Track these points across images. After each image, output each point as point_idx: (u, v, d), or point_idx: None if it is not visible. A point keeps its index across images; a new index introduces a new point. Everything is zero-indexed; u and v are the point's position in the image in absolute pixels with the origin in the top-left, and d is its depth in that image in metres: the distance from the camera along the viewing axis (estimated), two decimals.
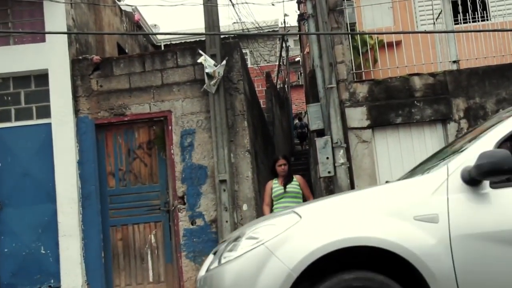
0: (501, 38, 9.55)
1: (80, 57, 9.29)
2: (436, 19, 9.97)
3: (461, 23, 9.80)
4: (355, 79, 8.95)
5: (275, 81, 21.71)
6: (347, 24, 9.07)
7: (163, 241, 8.92)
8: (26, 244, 8.81)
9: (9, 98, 9.16)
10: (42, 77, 9.10)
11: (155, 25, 20.90)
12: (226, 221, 8.47)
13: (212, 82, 8.61)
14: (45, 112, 9.05)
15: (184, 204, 8.82)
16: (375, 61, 9.49)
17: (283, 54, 23.54)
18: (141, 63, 9.19)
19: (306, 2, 9.47)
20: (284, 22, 26.10)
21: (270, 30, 24.57)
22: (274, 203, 7.95)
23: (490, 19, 10.26)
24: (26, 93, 9.17)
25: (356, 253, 3.55)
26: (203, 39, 9.47)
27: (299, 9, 17.43)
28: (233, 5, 29.75)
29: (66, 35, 9.07)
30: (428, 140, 8.67)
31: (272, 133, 16.47)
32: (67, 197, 8.75)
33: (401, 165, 8.61)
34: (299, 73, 32.10)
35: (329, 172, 8.39)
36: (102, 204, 8.92)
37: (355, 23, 9.44)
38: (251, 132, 9.29)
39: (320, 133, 8.75)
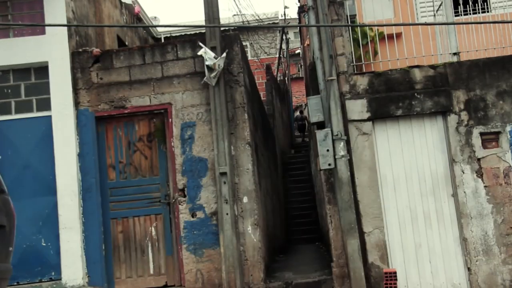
0: (501, 30, 9.54)
1: (80, 50, 9.29)
2: (437, 11, 9.95)
3: (461, 15, 9.79)
4: (355, 71, 8.95)
5: (275, 74, 21.70)
6: (347, 16, 9.04)
7: (163, 233, 8.94)
8: (26, 236, 8.82)
9: (9, 90, 9.17)
10: (42, 70, 9.11)
11: (155, 17, 20.86)
12: (227, 214, 8.49)
13: (212, 75, 8.61)
14: (45, 104, 9.06)
15: (185, 196, 8.83)
16: (375, 53, 9.48)
17: (283, 46, 23.52)
18: (141, 56, 9.18)
19: None
20: (284, 14, 26.11)
21: (270, 22, 24.54)
22: None
23: (490, 11, 10.25)
24: (26, 86, 9.18)
25: None
26: (203, 31, 9.46)
27: (299, 1, 17.41)
28: None
29: (66, 28, 9.06)
30: (428, 132, 8.67)
31: (273, 126, 16.48)
32: (67, 190, 8.77)
33: (401, 157, 8.63)
34: (299, 65, 32.07)
35: (329, 165, 8.39)
36: (102, 197, 8.95)
37: (355, 15, 9.41)
38: (251, 125, 9.29)
39: (321, 125, 8.74)
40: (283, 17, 25.70)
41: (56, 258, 8.76)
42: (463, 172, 8.43)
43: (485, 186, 8.41)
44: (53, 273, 8.80)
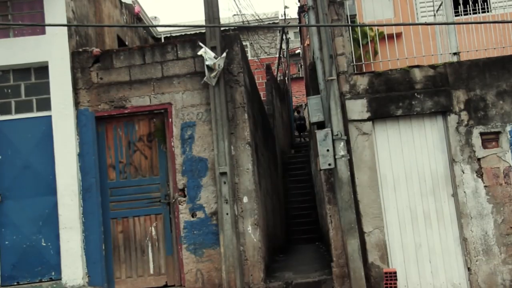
0: (501, 29, 9.54)
1: (80, 50, 9.29)
2: (437, 10, 9.95)
3: (461, 15, 9.79)
4: (356, 71, 8.94)
5: (275, 74, 21.69)
6: (347, 16, 9.04)
7: (163, 233, 8.94)
8: (26, 236, 8.83)
9: (9, 90, 9.16)
10: (42, 70, 9.10)
11: (155, 17, 20.86)
12: (227, 214, 8.49)
13: (212, 75, 8.61)
14: (45, 104, 9.06)
15: (185, 196, 8.83)
16: (375, 53, 9.48)
17: (284, 46, 23.52)
18: (141, 56, 9.18)
19: None
20: (285, 14, 26.11)
21: (270, 22, 24.51)
22: None
23: (490, 11, 10.25)
24: (26, 86, 9.17)
25: None
26: (203, 31, 9.45)
27: (299, 1, 17.42)
28: None
29: (66, 28, 9.06)
30: (428, 132, 8.67)
31: (272, 125, 16.48)
32: (67, 190, 8.76)
33: (401, 157, 8.63)
34: (300, 65, 32.08)
35: (329, 165, 8.39)
36: (102, 197, 8.95)
37: (356, 15, 9.41)
38: (251, 125, 9.29)
39: (321, 125, 8.75)
40: (283, 17, 25.69)
41: (56, 258, 8.76)
42: (463, 172, 8.43)
43: (485, 186, 8.41)
44: (53, 273, 8.80)
